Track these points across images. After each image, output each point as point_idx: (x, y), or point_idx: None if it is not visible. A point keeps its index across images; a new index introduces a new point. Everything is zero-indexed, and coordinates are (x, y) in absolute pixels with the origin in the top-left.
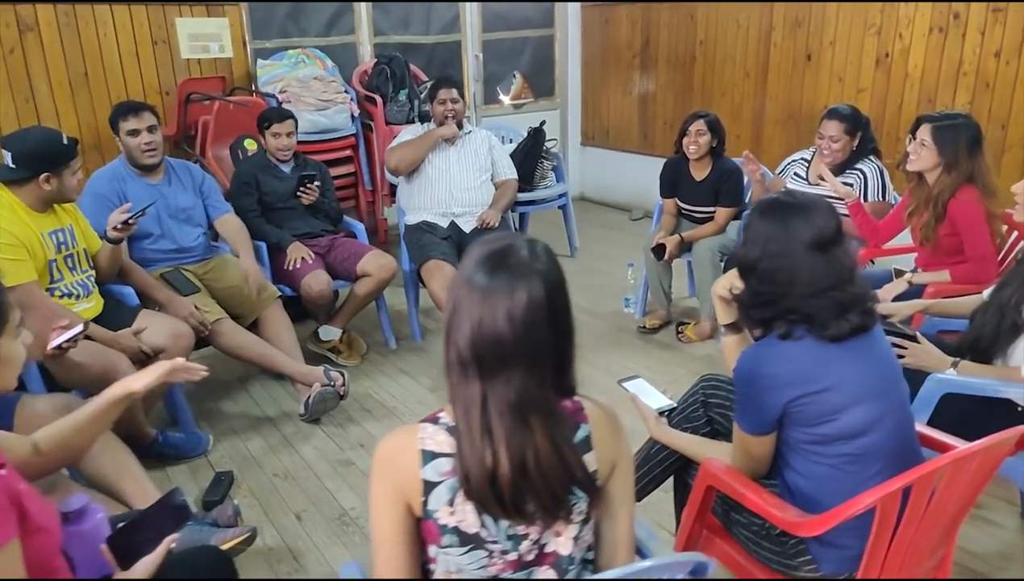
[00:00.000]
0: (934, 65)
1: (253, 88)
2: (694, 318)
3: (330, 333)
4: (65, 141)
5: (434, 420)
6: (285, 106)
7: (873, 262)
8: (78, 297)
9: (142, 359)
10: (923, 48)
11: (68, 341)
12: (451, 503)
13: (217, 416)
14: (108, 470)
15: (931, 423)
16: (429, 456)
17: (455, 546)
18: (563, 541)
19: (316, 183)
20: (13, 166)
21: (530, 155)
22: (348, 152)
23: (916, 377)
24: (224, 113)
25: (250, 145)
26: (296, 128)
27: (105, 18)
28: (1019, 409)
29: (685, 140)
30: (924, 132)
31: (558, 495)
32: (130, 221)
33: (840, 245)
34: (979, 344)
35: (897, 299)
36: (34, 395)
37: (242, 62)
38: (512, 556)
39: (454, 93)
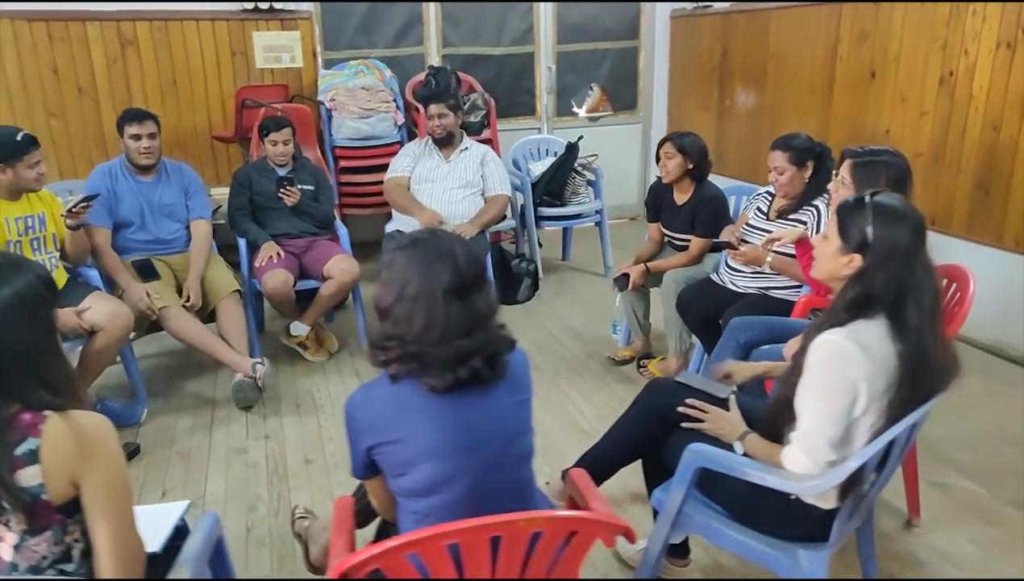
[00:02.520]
0: (1000, 86)
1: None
2: (663, 353)
3: (299, 329)
4: (19, 138)
5: None
6: (334, 114)
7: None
8: None
9: (82, 334)
10: (989, 66)
11: (79, 205)
12: None
13: (168, 392)
14: None
15: (716, 497)
16: None
17: None
18: (4, 548)
19: (299, 186)
20: None
21: (561, 169)
22: (390, 160)
23: None
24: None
25: None
26: (293, 136)
27: (192, 33)
28: (791, 499)
29: (659, 164)
30: (845, 168)
31: None
32: (74, 209)
33: (480, 291)
34: (785, 413)
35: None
36: None
37: (311, 72)
38: None
39: (442, 108)
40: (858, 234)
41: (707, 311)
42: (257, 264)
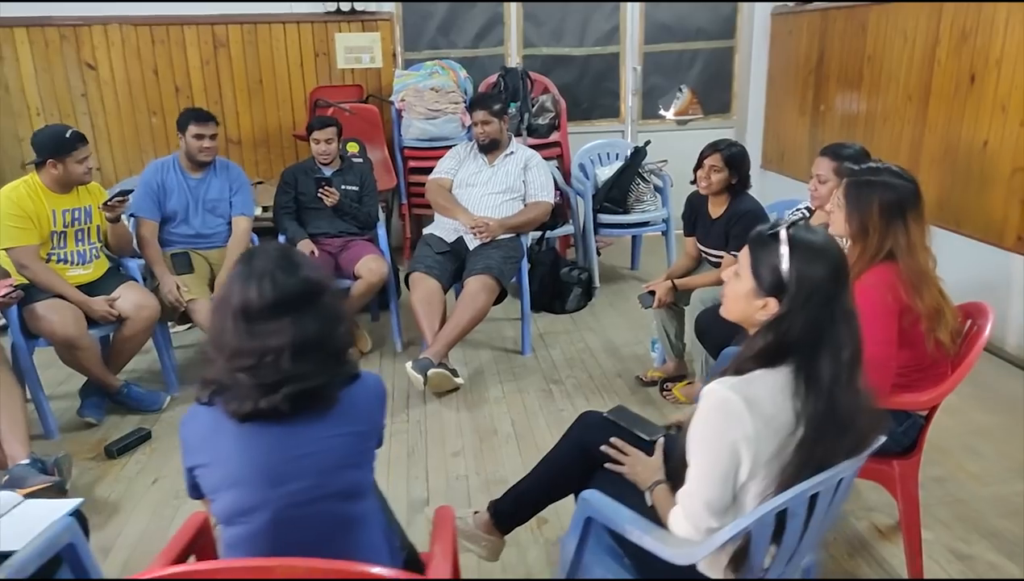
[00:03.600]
0: None
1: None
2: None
3: None
4: (68, 135)
5: None
6: (403, 114)
7: None
8: (73, 263)
9: (112, 322)
10: None
11: (114, 199)
12: None
13: (191, 377)
14: None
15: (625, 548)
16: None
17: None
18: None
19: (343, 187)
20: (35, 156)
21: (624, 175)
22: None
23: None
24: (338, 118)
25: (351, 148)
26: (338, 135)
27: (279, 35)
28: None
29: (699, 173)
30: (840, 188)
31: None
32: (110, 203)
33: (273, 320)
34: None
35: None
36: None
37: (389, 72)
38: None
39: (486, 115)
40: (772, 274)
41: (725, 335)
42: None
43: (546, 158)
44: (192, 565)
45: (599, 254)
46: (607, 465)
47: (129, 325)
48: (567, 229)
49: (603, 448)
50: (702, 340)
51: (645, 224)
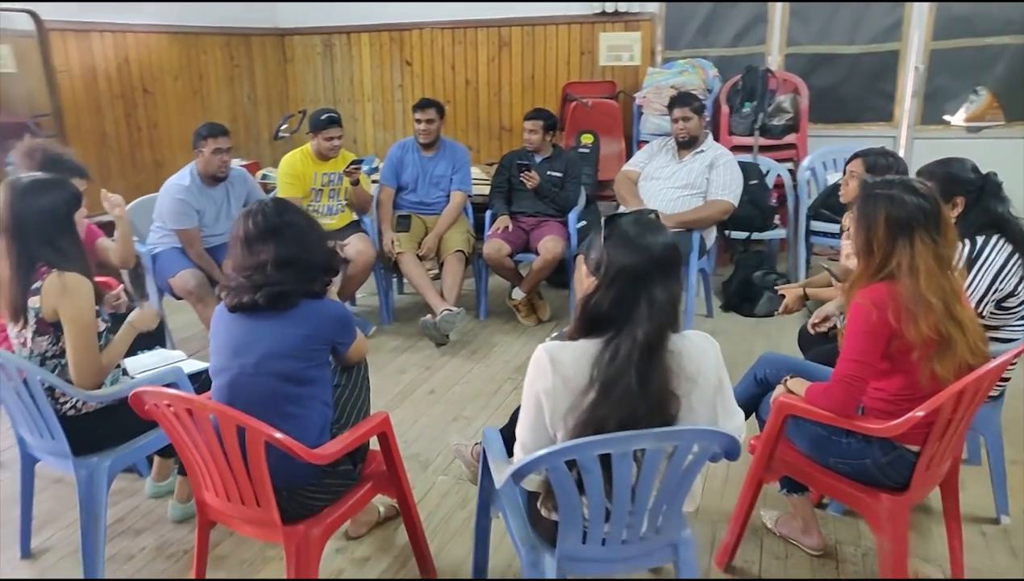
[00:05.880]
0: None
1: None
2: None
3: (516, 294)
4: (323, 117)
5: None
6: (643, 110)
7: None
8: (323, 214)
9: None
10: None
11: (351, 166)
12: None
13: (402, 319)
14: None
15: None
16: None
17: None
18: (27, 339)
19: (547, 173)
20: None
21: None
22: None
23: None
24: (580, 111)
25: (585, 139)
26: (543, 127)
27: (552, 35)
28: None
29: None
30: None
31: None
32: (348, 169)
33: (268, 240)
34: None
35: None
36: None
37: (646, 70)
38: None
39: (686, 112)
40: (595, 257)
41: (826, 348)
42: (489, 233)
43: (778, 160)
44: (181, 393)
45: (808, 264)
46: None
47: (352, 266)
48: (777, 233)
49: None
50: (803, 349)
51: None
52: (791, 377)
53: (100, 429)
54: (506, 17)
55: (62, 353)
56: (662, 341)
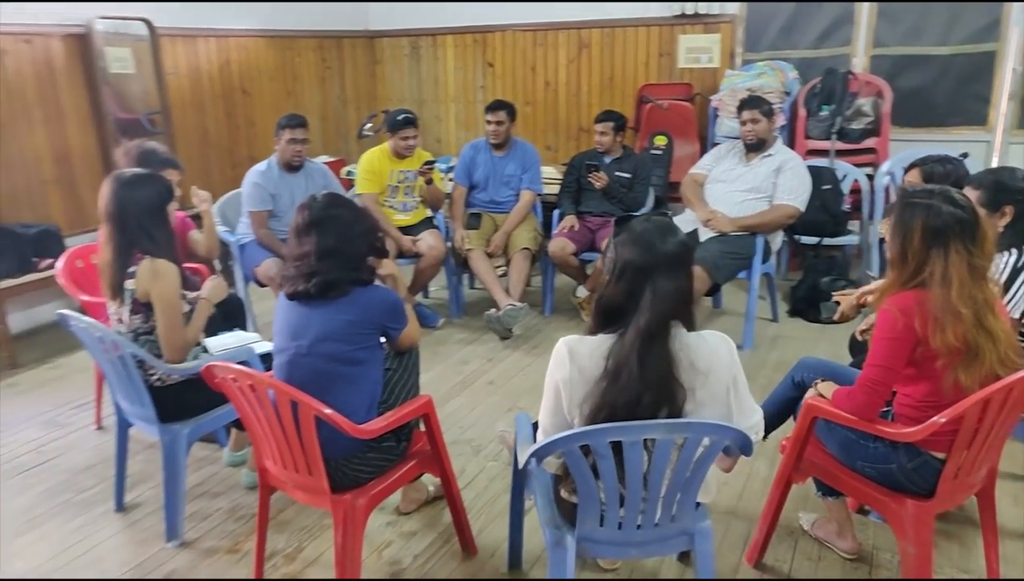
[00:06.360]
0: None
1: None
2: None
3: (580, 291)
4: (399, 118)
5: None
6: (719, 112)
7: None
8: (397, 209)
9: (413, 255)
10: None
11: (424, 167)
12: None
13: (469, 313)
14: None
15: None
16: None
17: None
18: (124, 317)
19: (616, 173)
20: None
21: None
22: None
23: None
24: (655, 113)
25: (659, 141)
26: (613, 130)
27: (631, 37)
28: None
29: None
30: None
31: None
32: (422, 169)
33: (315, 232)
34: None
35: None
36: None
37: (725, 72)
38: None
39: (755, 114)
40: (610, 256)
41: None
42: (555, 231)
43: (857, 165)
44: (245, 369)
45: (882, 270)
46: None
47: (423, 260)
48: (850, 239)
49: None
50: (853, 354)
51: None
52: (822, 380)
53: (181, 400)
54: (586, 19)
55: (152, 330)
56: (664, 330)
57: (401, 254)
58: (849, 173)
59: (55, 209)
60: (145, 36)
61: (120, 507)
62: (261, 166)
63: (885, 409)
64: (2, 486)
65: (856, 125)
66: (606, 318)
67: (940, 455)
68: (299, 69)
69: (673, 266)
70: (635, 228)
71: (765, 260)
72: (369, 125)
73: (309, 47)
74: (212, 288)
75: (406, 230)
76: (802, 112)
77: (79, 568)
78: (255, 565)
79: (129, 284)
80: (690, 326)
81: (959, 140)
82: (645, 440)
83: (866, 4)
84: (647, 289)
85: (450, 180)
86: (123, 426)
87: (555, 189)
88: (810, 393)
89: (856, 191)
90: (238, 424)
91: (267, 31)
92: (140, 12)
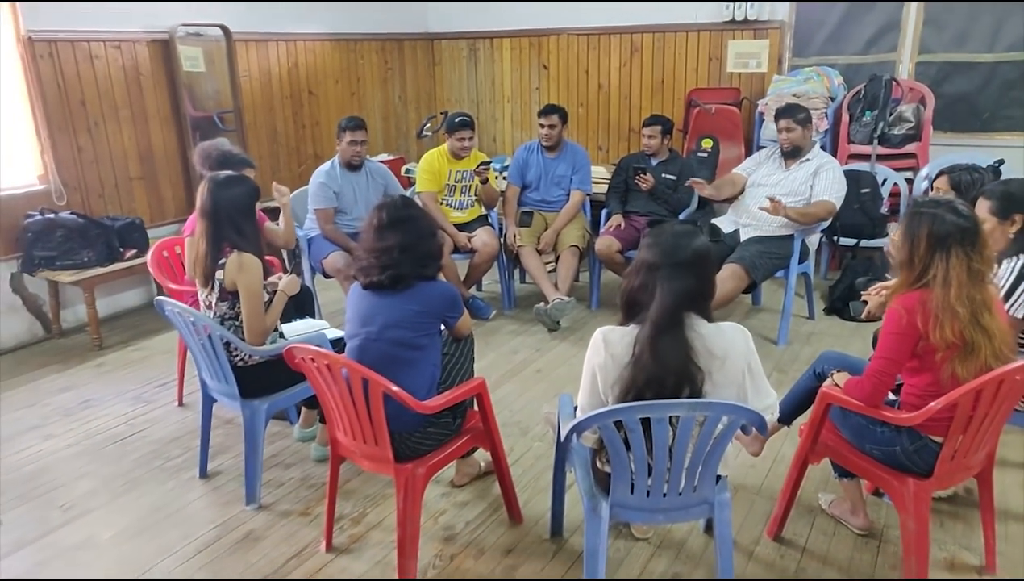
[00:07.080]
0: None
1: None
2: None
3: None
4: (456, 120)
5: None
6: (764, 117)
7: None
8: (455, 208)
9: (467, 251)
10: None
11: (480, 167)
12: None
13: (520, 306)
14: None
15: None
16: None
17: None
18: (212, 303)
19: (662, 175)
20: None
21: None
22: None
23: None
24: (702, 117)
25: (706, 144)
26: (661, 133)
27: (681, 42)
28: None
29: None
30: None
31: None
32: (477, 169)
33: (392, 230)
34: None
35: None
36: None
37: (772, 77)
38: None
39: (790, 123)
40: (636, 256)
41: None
42: (603, 230)
43: (896, 169)
44: (323, 350)
45: None
46: None
47: (477, 255)
48: (886, 241)
49: None
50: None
51: None
52: (838, 371)
53: (261, 379)
54: (638, 24)
55: (236, 316)
56: (676, 322)
57: (457, 250)
58: (889, 177)
59: (139, 203)
60: (218, 36)
61: (204, 474)
62: (325, 166)
63: (894, 398)
64: (101, 452)
65: (897, 130)
66: (628, 310)
67: (938, 439)
68: (362, 71)
69: (684, 268)
70: (658, 233)
71: (803, 260)
72: (428, 125)
73: (372, 49)
74: (288, 282)
75: (462, 227)
76: (845, 117)
77: (173, 524)
78: (325, 526)
79: (219, 274)
80: (707, 318)
81: (1001, 145)
82: (670, 417)
83: (913, 9)
84: (658, 286)
85: (504, 179)
86: (207, 402)
87: (605, 188)
88: (827, 383)
89: (895, 194)
90: (308, 403)
91: (333, 35)
92: (217, 18)
